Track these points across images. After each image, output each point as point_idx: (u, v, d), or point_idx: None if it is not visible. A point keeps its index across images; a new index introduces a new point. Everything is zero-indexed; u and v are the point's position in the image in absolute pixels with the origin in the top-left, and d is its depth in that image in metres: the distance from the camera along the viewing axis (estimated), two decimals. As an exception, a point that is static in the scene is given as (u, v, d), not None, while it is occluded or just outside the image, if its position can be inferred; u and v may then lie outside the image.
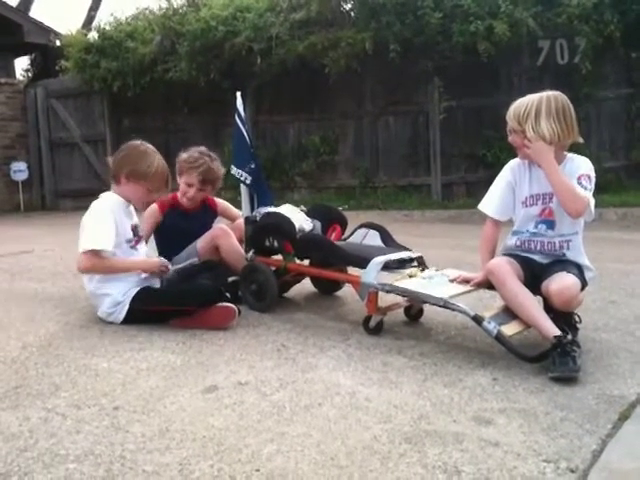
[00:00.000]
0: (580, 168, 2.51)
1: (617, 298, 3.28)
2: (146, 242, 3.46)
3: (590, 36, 7.43)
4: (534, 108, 2.46)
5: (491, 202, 2.67)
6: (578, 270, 2.49)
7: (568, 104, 2.49)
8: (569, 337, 2.22)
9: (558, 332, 2.26)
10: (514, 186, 2.62)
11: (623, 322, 2.86)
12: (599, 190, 2.78)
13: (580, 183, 2.44)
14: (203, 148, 3.56)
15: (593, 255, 2.53)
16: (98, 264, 2.90)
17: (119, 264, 2.97)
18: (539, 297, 2.52)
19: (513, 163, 2.66)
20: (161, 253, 3.50)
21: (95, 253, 2.87)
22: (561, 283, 2.37)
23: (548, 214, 2.54)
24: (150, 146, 3.11)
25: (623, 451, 1.70)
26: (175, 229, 3.46)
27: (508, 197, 2.64)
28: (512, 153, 2.69)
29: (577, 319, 2.54)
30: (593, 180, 2.50)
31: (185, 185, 3.49)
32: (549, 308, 2.46)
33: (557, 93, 2.50)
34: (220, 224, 3.48)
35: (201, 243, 3.36)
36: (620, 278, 3.77)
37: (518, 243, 2.61)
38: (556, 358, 2.19)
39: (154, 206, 3.51)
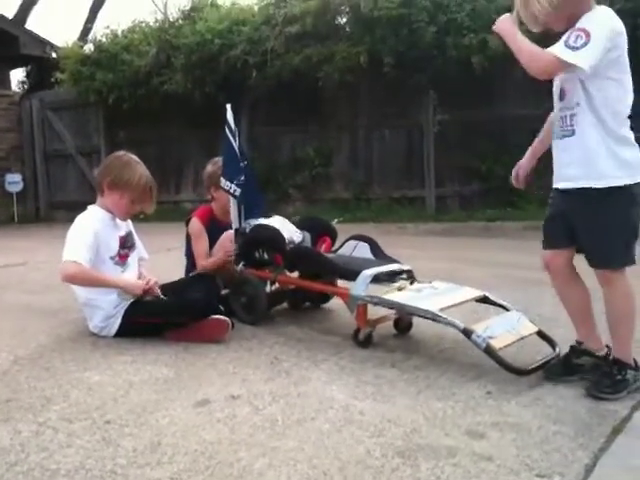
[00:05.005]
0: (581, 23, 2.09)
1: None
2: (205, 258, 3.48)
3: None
4: None
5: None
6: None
7: None
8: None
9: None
10: None
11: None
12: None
13: (565, 41, 2.06)
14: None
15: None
16: (79, 274, 2.85)
17: (99, 279, 2.90)
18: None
19: None
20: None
21: (77, 264, 2.83)
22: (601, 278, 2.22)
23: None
24: (134, 157, 3.09)
25: (616, 465, 1.69)
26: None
27: None
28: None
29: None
30: (593, 34, 2.03)
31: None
32: None
33: None
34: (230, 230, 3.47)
35: (216, 248, 3.41)
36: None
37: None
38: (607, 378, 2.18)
39: (199, 224, 3.50)
